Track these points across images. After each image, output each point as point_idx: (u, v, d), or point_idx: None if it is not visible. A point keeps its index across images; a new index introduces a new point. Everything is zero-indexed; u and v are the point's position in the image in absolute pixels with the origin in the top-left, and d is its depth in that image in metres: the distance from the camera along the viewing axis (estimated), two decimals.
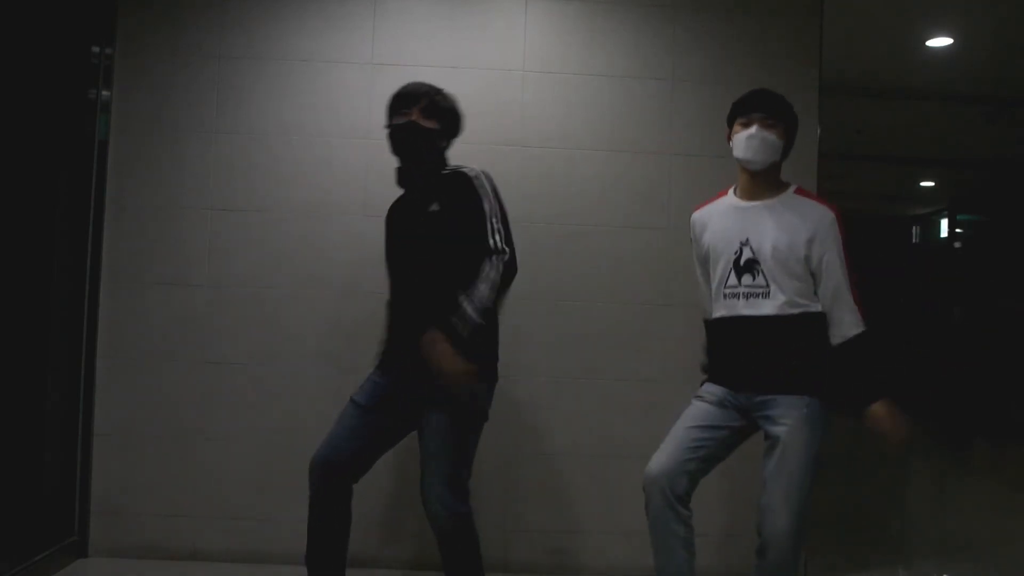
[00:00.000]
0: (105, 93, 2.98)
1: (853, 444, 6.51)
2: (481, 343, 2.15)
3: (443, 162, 2.30)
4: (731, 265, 2.15)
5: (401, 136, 2.22)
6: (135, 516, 2.95)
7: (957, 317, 8.59)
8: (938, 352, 8.61)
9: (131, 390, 2.96)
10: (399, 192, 2.34)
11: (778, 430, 2.05)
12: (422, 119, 2.21)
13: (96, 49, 2.97)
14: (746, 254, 2.13)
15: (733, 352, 2.17)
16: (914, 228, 10.12)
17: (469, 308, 2.08)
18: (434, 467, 2.16)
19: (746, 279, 2.13)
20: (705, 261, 2.27)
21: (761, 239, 2.12)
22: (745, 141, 2.12)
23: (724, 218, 2.21)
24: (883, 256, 9.37)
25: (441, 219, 2.19)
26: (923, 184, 8.34)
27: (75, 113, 2.96)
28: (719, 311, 2.19)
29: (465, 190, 2.21)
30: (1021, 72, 4.67)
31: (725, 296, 2.17)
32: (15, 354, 2.75)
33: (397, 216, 2.34)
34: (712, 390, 2.19)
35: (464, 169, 2.25)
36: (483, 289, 2.11)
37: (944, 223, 9.40)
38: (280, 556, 2.90)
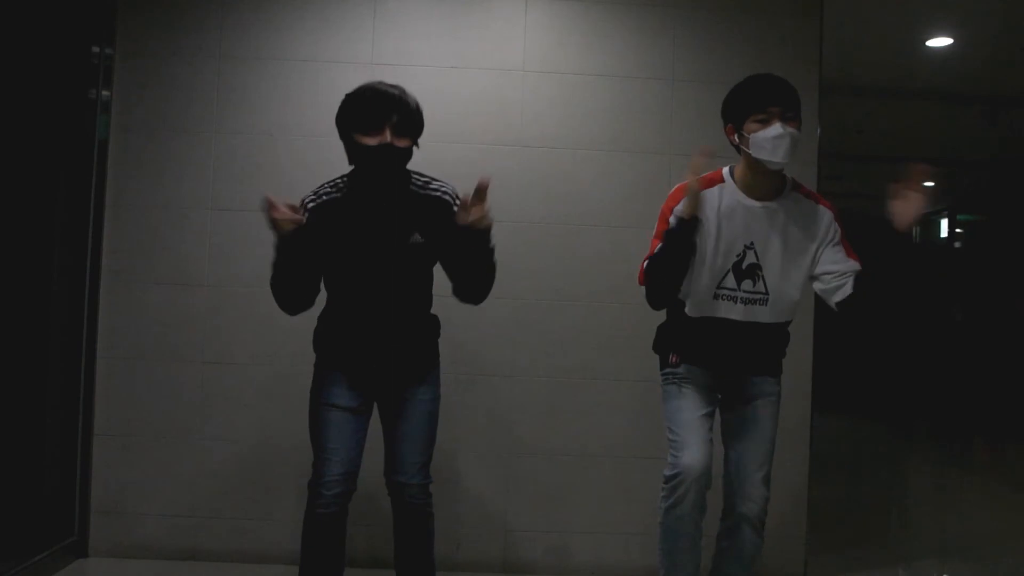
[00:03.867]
0: (105, 93, 2.98)
1: (853, 444, 6.52)
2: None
3: (407, 173, 2.13)
4: (730, 267, 2.08)
5: (374, 159, 2.01)
6: (135, 516, 2.95)
7: (958, 317, 8.59)
8: (939, 352, 8.61)
9: (131, 390, 2.96)
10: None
11: (759, 403, 2.15)
12: (396, 139, 2.00)
13: (96, 49, 2.97)
14: (749, 258, 2.07)
15: (720, 348, 2.13)
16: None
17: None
18: (420, 444, 2.17)
19: (746, 284, 2.08)
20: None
21: (767, 246, 2.06)
22: (773, 142, 1.96)
23: (729, 216, 2.07)
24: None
25: (425, 250, 2.11)
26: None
27: (75, 113, 2.96)
28: (707, 310, 2.10)
29: (446, 218, 2.07)
30: (1021, 72, 4.67)
31: (718, 297, 2.08)
32: (15, 354, 2.75)
33: (364, 233, 2.07)
34: (695, 374, 2.15)
35: (439, 192, 2.12)
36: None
37: (944, 223, 9.40)
38: (280, 556, 2.90)
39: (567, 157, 3.05)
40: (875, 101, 5.38)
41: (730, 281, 2.08)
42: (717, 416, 2.22)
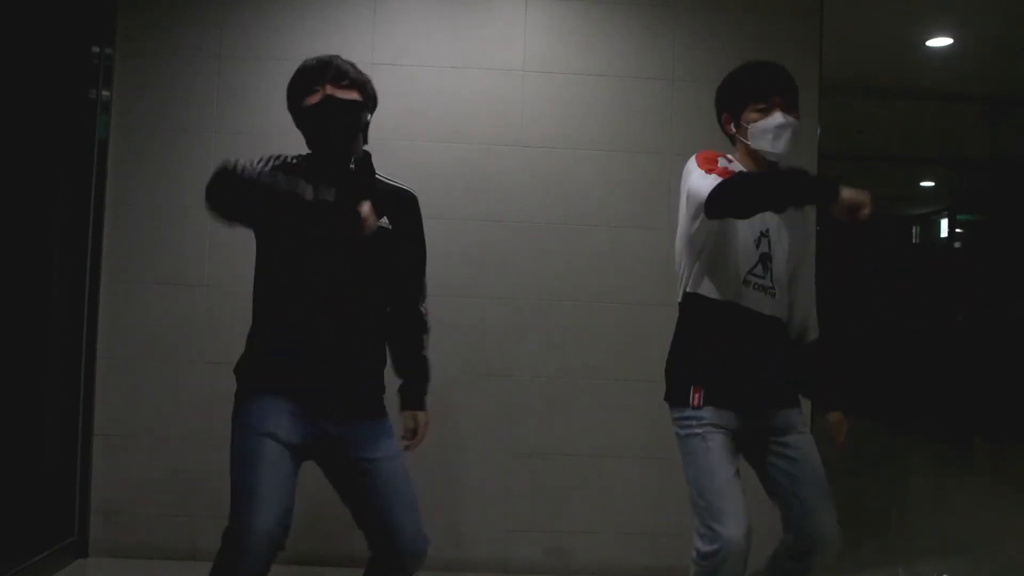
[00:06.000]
0: (105, 93, 2.98)
1: (853, 444, 6.52)
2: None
3: (366, 155, 1.96)
4: (755, 250, 1.90)
5: (319, 113, 1.88)
6: (135, 516, 2.95)
7: (959, 317, 8.59)
8: (939, 352, 8.61)
9: (131, 390, 2.96)
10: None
11: (796, 439, 1.96)
12: (337, 90, 1.88)
13: (96, 49, 2.97)
14: (763, 247, 1.91)
15: (747, 355, 1.89)
16: (914, 228, 10.12)
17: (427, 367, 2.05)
18: (414, 504, 1.92)
19: (759, 270, 1.91)
20: (718, 232, 1.89)
21: (778, 237, 1.93)
22: (775, 131, 1.84)
23: None
24: (883, 256, 9.37)
25: (392, 240, 1.89)
26: (923, 184, 8.34)
27: (75, 113, 2.96)
28: (739, 298, 1.89)
29: (413, 217, 1.99)
30: (1021, 72, 4.67)
31: (749, 284, 1.89)
32: (15, 354, 2.75)
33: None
34: (725, 420, 1.88)
35: (407, 188, 2.01)
36: (427, 343, 2.06)
37: (944, 223, 9.40)
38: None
39: (567, 157, 3.05)
40: (875, 101, 5.38)
41: (759, 269, 1.90)
42: None
